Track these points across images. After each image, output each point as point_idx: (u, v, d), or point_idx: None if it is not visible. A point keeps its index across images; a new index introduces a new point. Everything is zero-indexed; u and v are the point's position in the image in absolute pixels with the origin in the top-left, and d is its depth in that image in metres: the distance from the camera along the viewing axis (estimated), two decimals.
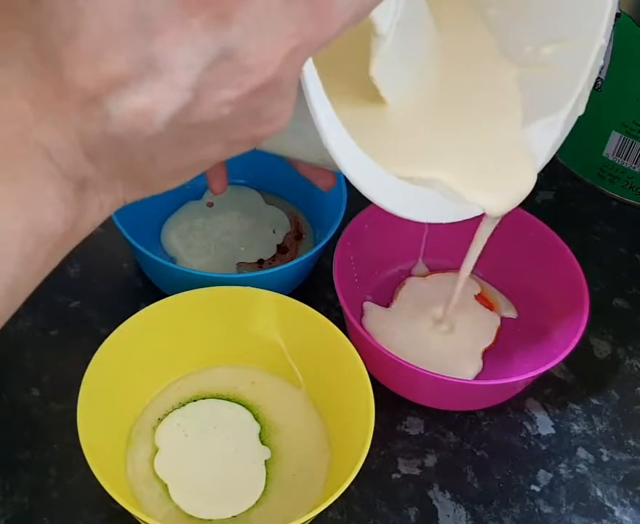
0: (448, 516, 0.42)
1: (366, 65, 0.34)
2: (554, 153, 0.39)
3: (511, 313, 0.50)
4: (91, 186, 0.24)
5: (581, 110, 0.39)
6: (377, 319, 0.49)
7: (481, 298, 0.51)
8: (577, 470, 0.44)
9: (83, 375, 0.38)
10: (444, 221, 0.36)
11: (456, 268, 0.52)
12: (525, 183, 0.38)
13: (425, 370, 0.42)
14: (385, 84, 0.35)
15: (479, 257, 0.51)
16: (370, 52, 0.33)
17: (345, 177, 0.49)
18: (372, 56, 0.34)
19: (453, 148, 0.37)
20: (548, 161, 0.39)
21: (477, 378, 0.46)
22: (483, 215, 0.38)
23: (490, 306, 0.50)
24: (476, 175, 0.37)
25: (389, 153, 0.34)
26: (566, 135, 0.39)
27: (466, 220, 0.50)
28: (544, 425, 0.46)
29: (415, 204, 0.35)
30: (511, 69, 0.40)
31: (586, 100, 0.39)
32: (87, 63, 0.21)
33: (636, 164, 0.58)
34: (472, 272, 0.51)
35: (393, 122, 0.37)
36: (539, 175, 0.61)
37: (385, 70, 0.35)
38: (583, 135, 0.60)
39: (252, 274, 0.48)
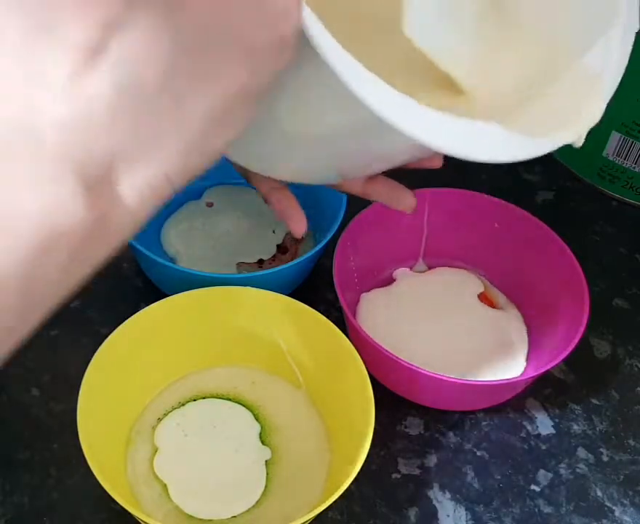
0: (448, 516, 0.42)
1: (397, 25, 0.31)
2: (622, 73, 0.37)
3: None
4: (119, 161, 0.21)
5: (636, 27, 0.37)
6: (373, 306, 0.49)
7: (483, 296, 0.51)
8: (577, 470, 0.44)
9: (83, 375, 0.38)
10: (519, 158, 0.31)
11: (455, 267, 0.53)
12: (596, 111, 0.36)
13: (425, 370, 0.42)
14: (426, 40, 0.32)
15: (483, 256, 0.51)
16: (401, 7, 0.30)
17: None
18: (404, 10, 0.30)
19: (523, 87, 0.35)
20: (618, 79, 0.37)
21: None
22: None
23: (492, 305, 0.51)
24: (550, 113, 0.35)
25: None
26: (628, 50, 0.37)
27: (465, 221, 0.51)
28: (544, 425, 0.46)
29: (484, 143, 0.30)
30: None
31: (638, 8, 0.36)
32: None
33: (636, 164, 0.58)
34: (477, 270, 0.52)
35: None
36: (538, 175, 0.61)
37: (421, 23, 0.31)
38: None
39: (251, 274, 0.48)
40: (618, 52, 0.36)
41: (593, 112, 0.35)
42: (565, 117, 0.35)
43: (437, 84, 0.34)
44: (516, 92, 0.35)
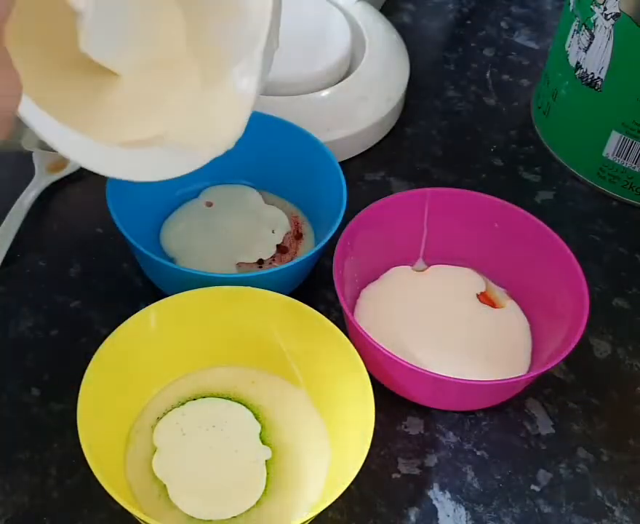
0: (448, 516, 0.42)
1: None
2: (260, 92, 0.41)
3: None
4: None
5: (276, 45, 0.42)
6: (373, 306, 0.50)
7: (483, 296, 0.51)
8: (577, 470, 0.44)
9: (83, 375, 0.38)
10: (178, 174, 0.39)
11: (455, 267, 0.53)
12: (238, 128, 0.41)
13: (425, 370, 0.42)
14: (102, 55, 0.37)
15: (483, 256, 0.51)
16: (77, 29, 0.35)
17: (345, 177, 0.49)
18: (78, 32, 0.35)
19: (174, 104, 0.40)
20: (257, 97, 0.41)
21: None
22: None
23: (492, 304, 0.51)
24: (199, 123, 0.40)
25: (116, 121, 0.38)
26: (267, 73, 0.42)
27: (465, 221, 0.51)
28: (544, 425, 0.46)
29: (147, 165, 0.38)
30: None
31: (278, 33, 0.42)
32: None
33: (635, 164, 0.58)
34: (477, 270, 0.52)
35: (119, 91, 0.39)
36: (538, 175, 0.61)
37: (99, 42, 0.36)
38: (583, 134, 0.60)
39: (251, 274, 0.48)
40: (260, 70, 0.41)
41: (236, 129, 0.40)
42: (212, 132, 0.40)
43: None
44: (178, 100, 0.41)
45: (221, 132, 0.40)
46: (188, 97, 0.41)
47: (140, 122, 0.39)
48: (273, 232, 0.53)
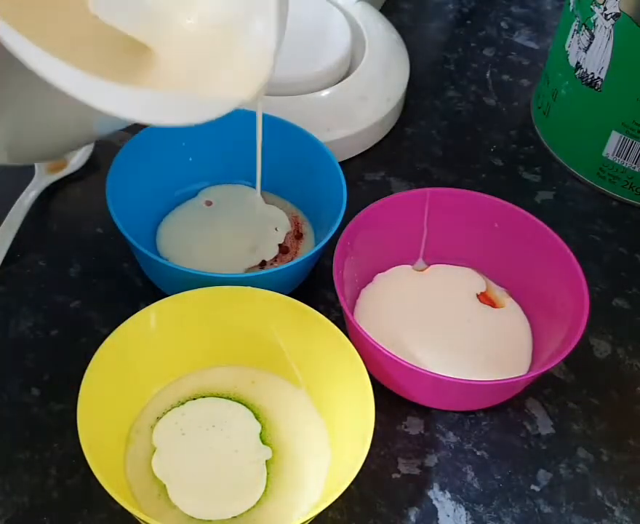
0: (448, 516, 0.42)
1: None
2: (281, 40, 0.41)
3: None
4: None
5: None
6: (373, 305, 0.50)
7: (483, 296, 0.51)
8: (577, 470, 0.44)
9: (83, 375, 0.38)
10: (205, 119, 0.37)
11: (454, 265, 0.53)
12: (265, 67, 0.39)
13: (425, 370, 0.42)
14: (113, 18, 0.36)
15: (483, 256, 0.51)
16: None
17: (345, 177, 0.49)
18: None
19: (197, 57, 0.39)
20: (279, 43, 0.41)
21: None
22: None
23: (493, 304, 0.51)
24: (225, 73, 0.39)
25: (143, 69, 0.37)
26: (285, 19, 0.41)
27: (465, 221, 0.51)
28: (544, 425, 0.46)
29: (169, 108, 0.36)
30: None
31: None
32: None
33: (635, 164, 0.58)
34: (477, 270, 0.52)
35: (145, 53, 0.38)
36: (538, 175, 0.61)
37: (108, 3, 0.35)
38: (583, 134, 0.60)
39: (252, 274, 0.48)
40: (277, 12, 0.40)
41: (264, 71, 0.39)
42: (240, 77, 0.39)
43: (126, 50, 0.38)
44: (200, 52, 0.39)
45: (245, 78, 0.39)
46: (211, 48, 0.40)
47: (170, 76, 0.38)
48: (275, 230, 0.53)
